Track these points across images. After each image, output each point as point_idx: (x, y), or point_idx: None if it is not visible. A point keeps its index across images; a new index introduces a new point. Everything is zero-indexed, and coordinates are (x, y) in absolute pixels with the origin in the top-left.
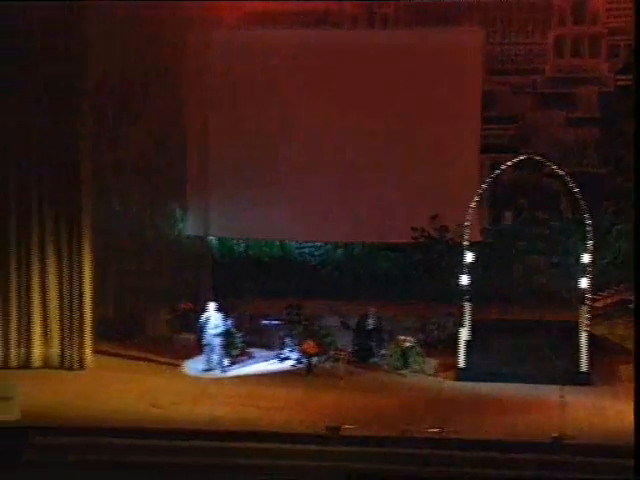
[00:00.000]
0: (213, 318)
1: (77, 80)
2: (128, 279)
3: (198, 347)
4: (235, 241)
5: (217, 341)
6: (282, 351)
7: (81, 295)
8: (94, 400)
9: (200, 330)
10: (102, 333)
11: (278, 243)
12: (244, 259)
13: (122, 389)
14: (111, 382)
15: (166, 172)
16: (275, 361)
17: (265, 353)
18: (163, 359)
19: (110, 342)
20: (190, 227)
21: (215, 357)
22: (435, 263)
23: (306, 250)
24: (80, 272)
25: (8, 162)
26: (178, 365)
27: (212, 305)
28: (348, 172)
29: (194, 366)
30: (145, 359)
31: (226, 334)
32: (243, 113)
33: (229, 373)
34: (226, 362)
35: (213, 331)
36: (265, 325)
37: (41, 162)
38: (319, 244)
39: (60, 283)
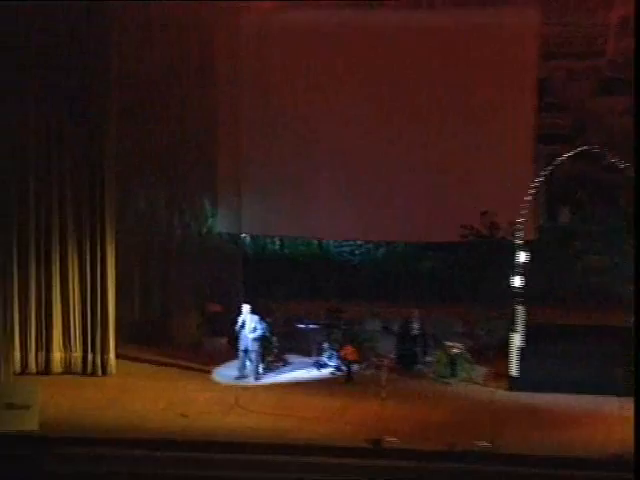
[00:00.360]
0: (249, 321)
1: (100, 76)
2: (154, 280)
3: (230, 352)
4: (269, 239)
5: (254, 346)
6: (319, 357)
7: (104, 296)
8: (118, 409)
9: (236, 334)
10: (127, 337)
11: (316, 242)
12: (279, 258)
13: (148, 397)
14: (136, 389)
15: (195, 167)
16: (312, 368)
17: (301, 359)
18: (192, 365)
19: (135, 346)
20: (220, 224)
21: (250, 364)
22: (485, 263)
23: (346, 249)
24: (103, 272)
25: (28, 160)
26: (208, 372)
27: (247, 307)
28: (391, 167)
29: (226, 373)
30: (173, 365)
31: (262, 339)
32: (277, 105)
33: (263, 381)
34: (261, 369)
35: (251, 335)
36: (301, 329)
37: (62, 159)
38: (359, 243)
39: (82, 284)
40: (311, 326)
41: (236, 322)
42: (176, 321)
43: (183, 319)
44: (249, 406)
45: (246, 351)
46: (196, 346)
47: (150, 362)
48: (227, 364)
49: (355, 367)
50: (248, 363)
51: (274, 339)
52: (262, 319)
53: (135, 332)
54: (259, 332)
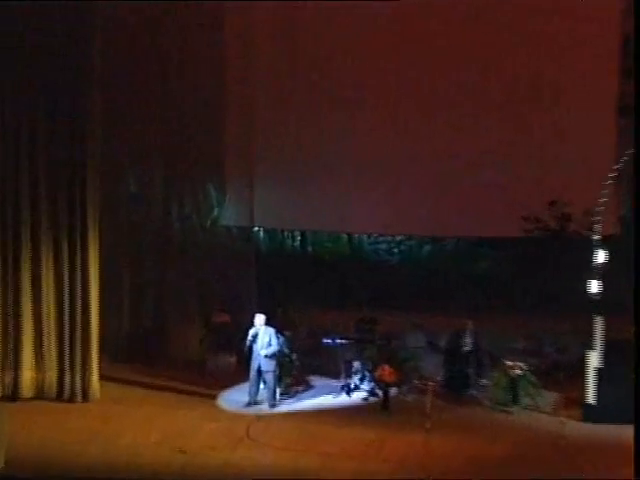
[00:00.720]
0: (262, 334)
1: (83, 73)
2: (148, 285)
3: (239, 373)
4: (288, 234)
5: (269, 365)
6: (349, 379)
7: (86, 305)
8: (101, 442)
9: (246, 351)
10: (114, 354)
11: (345, 237)
12: (299, 257)
13: (139, 428)
14: (124, 418)
15: (199, 147)
16: (340, 393)
17: (327, 382)
18: (193, 388)
19: (124, 366)
20: (229, 216)
21: (264, 387)
22: (554, 263)
23: (382, 246)
24: (85, 275)
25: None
26: (213, 397)
27: (261, 318)
28: (438, 149)
29: (234, 398)
30: (169, 388)
31: (279, 356)
32: (298, 78)
33: (280, 408)
34: (277, 394)
35: (264, 352)
36: (327, 345)
37: (34, 135)
38: (399, 239)
39: (59, 289)
40: (339, 341)
41: (246, 336)
42: (174, 335)
43: (183, 332)
44: (262, 439)
45: (259, 371)
46: (198, 365)
47: (142, 385)
48: (236, 387)
49: (393, 391)
50: (262, 386)
51: (294, 357)
52: (279, 332)
53: (124, 348)
54: (274, 348)
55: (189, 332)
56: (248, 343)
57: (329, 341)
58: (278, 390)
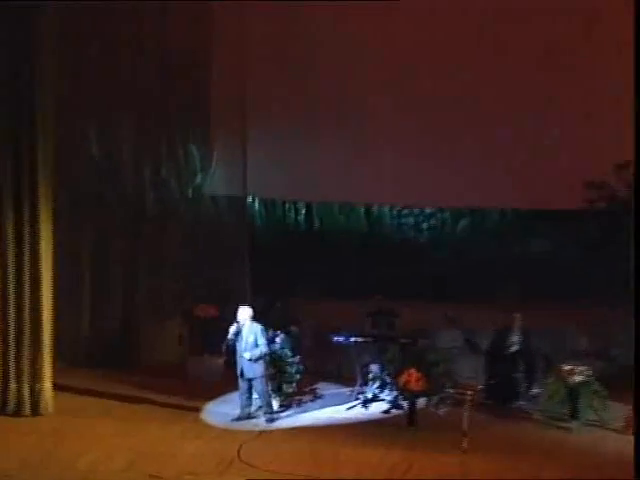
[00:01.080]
0: (247, 333)
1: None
2: (115, 271)
3: (230, 379)
4: (290, 205)
5: (254, 371)
6: (367, 388)
7: (36, 296)
8: (55, 467)
9: (224, 353)
10: (71, 357)
11: (362, 209)
12: (304, 235)
13: (102, 449)
14: (84, 437)
15: (179, 99)
16: (355, 404)
17: (339, 390)
18: (171, 399)
19: (84, 372)
20: (216, 183)
21: (255, 397)
22: (625, 241)
23: (408, 220)
24: (35, 259)
25: None
26: (196, 409)
27: (245, 311)
28: (480, 105)
29: (223, 410)
30: (141, 399)
31: (272, 359)
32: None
33: (280, 423)
34: (275, 405)
35: (248, 355)
36: (339, 344)
37: None
38: (429, 211)
39: (2, 280)
40: (354, 339)
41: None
42: (147, 333)
43: (158, 329)
44: (258, 462)
45: (244, 378)
46: (178, 370)
47: (106, 395)
48: (225, 397)
49: (421, 402)
50: (255, 396)
51: (297, 360)
52: (273, 329)
53: (85, 350)
54: (261, 350)
55: (166, 329)
56: (229, 342)
57: (341, 339)
58: (275, 401)
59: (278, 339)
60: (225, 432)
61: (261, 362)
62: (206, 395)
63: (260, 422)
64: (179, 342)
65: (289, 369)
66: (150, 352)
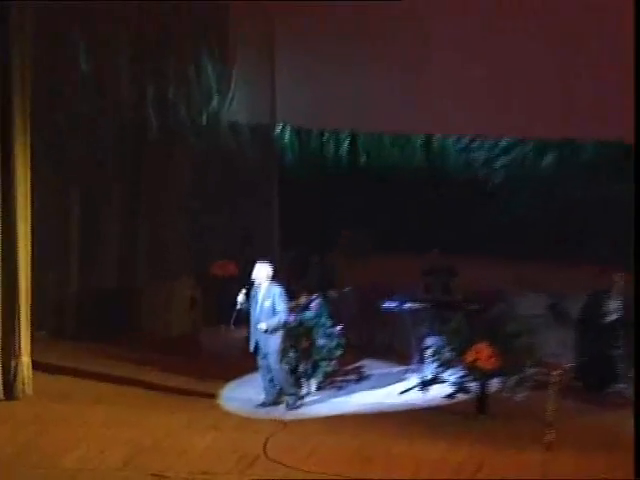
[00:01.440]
0: (263, 297)
1: None
2: (109, 220)
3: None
4: (329, 136)
5: (270, 345)
6: (425, 366)
7: (9, 251)
8: (35, 463)
9: (233, 321)
10: (54, 329)
11: (420, 139)
12: (346, 173)
13: (93, 441)
14: (70, 427)
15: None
16: (410, 386)
17: (390, 370)
18: (179, 380)
19: (70, 346)
20: (237, 108)
21: (280, 377)
22: None
23: (479, 155)
24: (7, 204)
25: None
26: (211, 395)
27: (262, 268)
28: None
29: (242, 395)
30: (141, 381)
31: (307, 330)
32: None
33: (317, 409)
34: (312, 386)
35: (263, 326)
36: (389, 311)
37: None
38: (506, 142)
39: None
40: (408, 305)
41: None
42: (149, 296)
43: (163, 292)
44: (287, 459)
45: (261, 354)
46: (187, 343)
47: (99, 376)
48: (246, 378)
49: (494, 385)
50: (279, 377)
51: (336, 331)
52: (322, 295)
53: (72, 318)
54: (279, 319)
55: (173, 293)
56: (239, 307)
57: (392, 306)
58: (314, 381)
59: (314, 305)
60: (247, 422)
61: (279, 334)
62: (223, 375)
63: (290, 409)
64: (190, 308)
65: (328, 342)
66: (153, 321)
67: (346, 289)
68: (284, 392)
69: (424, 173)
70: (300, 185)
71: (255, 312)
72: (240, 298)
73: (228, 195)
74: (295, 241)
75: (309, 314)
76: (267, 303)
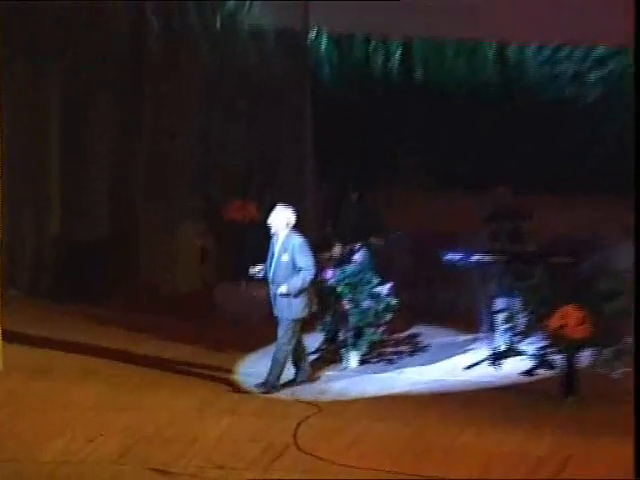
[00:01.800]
0: (280, 249)
1: None
2: (98, 146)
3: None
4: (377, 45)
5: (292, 311)
6: (496, 335)
7: None
8: (10, 453)
9: (248, 279)
10: (32, 287)
11: (491, 50)
12: (399, 89)
13: (81, 427)
14: (53, 410)
15: None
16: (478, 360)
17: (453, 339)
18: (186, 351)
19: (51, 309)
20: (260, 11)
21: (277, 356)
22: None
23: (567, 68)
24: None
25: None
26: (227, 370)
27: (281, 213)
28: None
29: (264, 370)
30: (142, 355)
31: (348, 288)
32: None
33: (355, 388)
34: (354, 359)
35: (283, 289)
36: (452, 264)
37: None
38: (599, 53)
39: None
40: (476, 257)
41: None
42: (150, 245)
43: (167, 240)
44: (323, 450)
45: (282, 319)
46: (198, 304)
47: (87, 347)
48: (271, 348)
49: (585, 358)
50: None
51: (385, 290)
52: (365, 244)
53: (53, 273)
54: (303, 278)
55: (180, 240)
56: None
57: (456, 258)
58: (356, 353)
59: (357, 256)
60: (273, 404)
61: (303, 298)
62: (242, 345)
63: (327, 388)
64: (201, 260)
65: (374, 304)
66: (154, 276)
67: (396, 234)
68: (267, 375)
69: (495, 90)
70: (339, 105)
71: (270, 269)
72: (255, 269)
73: (248, 116)
74: (331, 174)
75: (350, 268)
76: (285, 257)
